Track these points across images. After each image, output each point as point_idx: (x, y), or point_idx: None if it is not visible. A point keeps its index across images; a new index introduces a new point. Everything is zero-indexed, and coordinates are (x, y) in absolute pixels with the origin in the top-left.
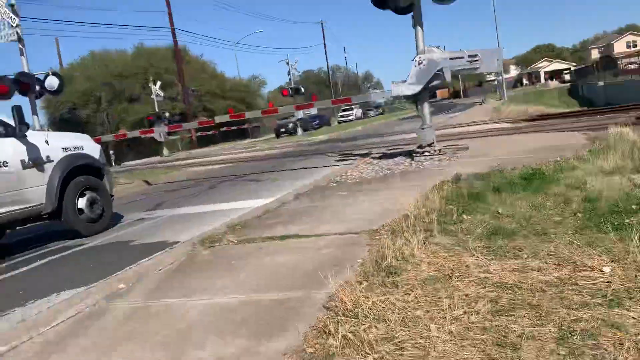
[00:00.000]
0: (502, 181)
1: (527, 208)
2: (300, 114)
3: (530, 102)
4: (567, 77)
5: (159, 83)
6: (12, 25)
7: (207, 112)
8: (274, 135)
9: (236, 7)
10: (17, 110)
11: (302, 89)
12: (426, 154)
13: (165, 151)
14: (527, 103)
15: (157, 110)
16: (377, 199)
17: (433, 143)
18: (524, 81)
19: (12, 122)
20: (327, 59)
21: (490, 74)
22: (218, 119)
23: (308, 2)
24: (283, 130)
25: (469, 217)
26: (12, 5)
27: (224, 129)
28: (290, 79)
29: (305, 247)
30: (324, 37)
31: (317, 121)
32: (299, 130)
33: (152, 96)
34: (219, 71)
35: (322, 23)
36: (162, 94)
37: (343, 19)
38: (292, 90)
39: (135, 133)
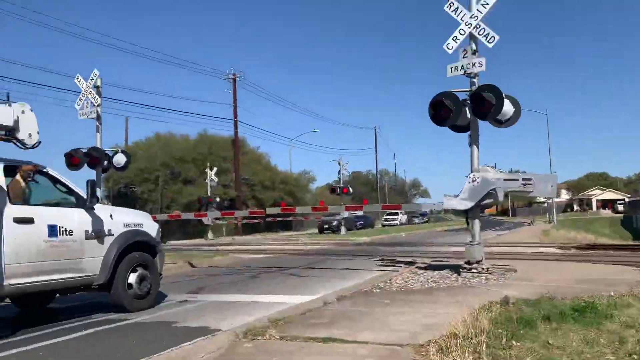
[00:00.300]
0: (552, 310)
1: (579, 342)
2: (345, 213)
3: (581, 228)
4: (621, 207)
5: (215, 169)
6: (94, 105)
7: (256, 200)
8: (316, 230)
9: (295, 106)
10: (92, 184)
11: (350, 189)
12: (474, 271)
13: (210, 234)
14: (577, 229)
15: (209, 194)
16: (423, 311)
17: (481, 260)
18: (575, 207)
19: (83, 194)
20: (376, 163)
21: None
22: (270, 210)
23: (364, 107)
24: (327, 227)
25: (518, 343)
26: (97, 87)
27: (270, 219)
28: (339, 178)
29: (347, 352)
30: (375, 143)
31: (362, 222)
32: (343, 229)
33: (206, 180)
34: (272, 163)
35: (375, 129)
36: (216, 179)
37: (397, 125)
38: (340, 189)
39: (190, 215)
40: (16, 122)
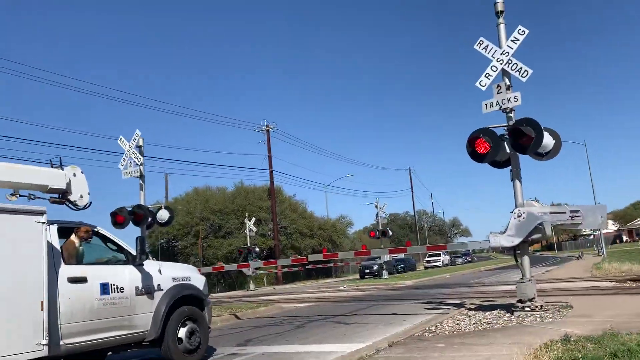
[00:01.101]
0: (619, 347)
1: None
2: (387, 256)
3: (634, 260)
4: None
5: (253, 219)
6: (137, 164)
7: (294, 249)
8: (357, 275)
9: (329, 152)
10: (141, 241)
11: (390, 232)
12: (527, 309)
13: (252, 285)
14: (631, 261)
15: (249, 244)
16: (482, 354)
17: (534, 298)
18: (624, 237)
19: (132, 251)
20: (413, 204)
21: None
22: (312, 257)
23: (398, 149)
24: (368, 271)
25: None
26: (139, 147)
27: (309, 266)
28: (377, 221)
29: None
30: (411, 184)
31: (403, 264)
32: (384, 273)
33: (245, 231)
34: (309, 210)
35: (410, 170)
36: (255, 229)
37: (432, 165)
38: (379, 232)
39: (233, 267)
40: (68, 184)
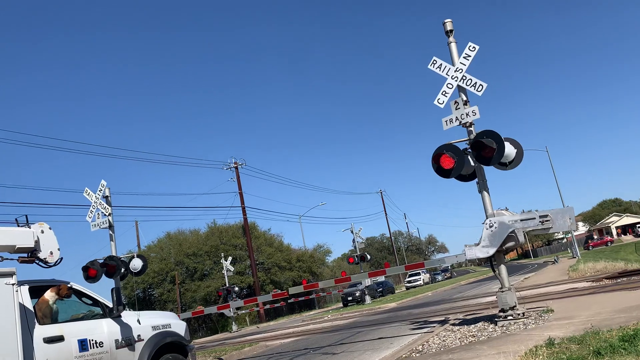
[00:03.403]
0: (601, 344)
1: None
2: (367, 281)
3: (607, 258)
4: None
5: (229, 259)
6: (105, 214)
7: (274, 284)
8: (341, 304)
9: (300, 183)
10: (116, 293)
11: (368, 256)
12: (509, 318)
13: (234, 326)
14: (606, 259)
15: (227, 284)
16: None
17: (515, 306)
18: (595, 237)
19: (109, 303)
20: (388, 226)
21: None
22: (292, 290)
23: (368, 172)
24: (350, 298)
25: None
26: (106, 197)
27: (291, 300)
28: (355, 247)
29: None
30: (384, 206)
31: (381, 288)
32: (367, 298)
33: (222, 271)
34: (285, 242)
35: (381, 192)
36: (232, 268)
37: (402, 185)
38: (357, 257)
39: (213, 309)
40: (37, 242)
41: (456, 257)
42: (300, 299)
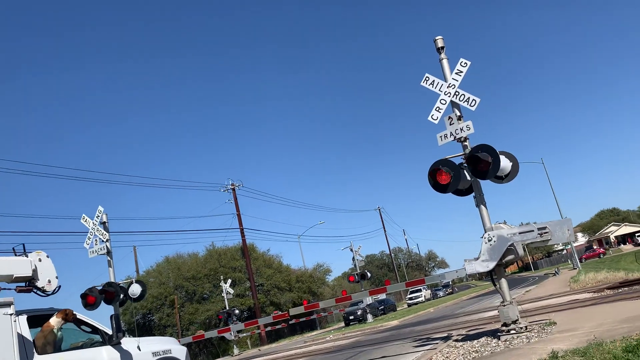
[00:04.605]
0: (605, 356)
1: None
2: (369, 299)
3: (608, 268)
4: None
5: (229, 281)
6: (103, 241)
7: (274, 305)
8: (343, 323)
9: (298, 202)
10: (116, 319)
11: (368, 274)
12: (512, 332)
13: (235, 350)
14: (606, 270)
15: (227, 307)
16: None
17: (517, 320)
18: (595, 248)
19: (108, 330)
20: (388, 243)
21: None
22: (293, 311)
23: (367, 191)
24: (352, 317)
25: None
26: (104, 223)
27: (293, 321)
28: (355, 265)
29: None
30: (382, 222)
31: (382, 306)
32: (369, 317)
33: (222, 294)
34: (285, 263)
35: (379, 209)
36: (232, 291)
37: (400, 202)
38: (358, 275)
39: (214, 333)
40: (34, 271)
41: (456, 272)
42: (301, 319)
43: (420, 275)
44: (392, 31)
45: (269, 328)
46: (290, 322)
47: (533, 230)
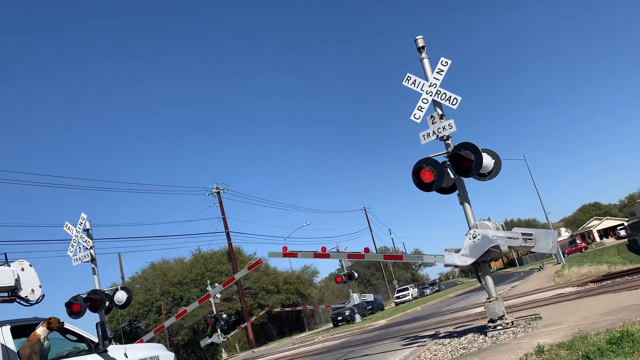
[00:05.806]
0: (589, 348)
1: None
2: (356, 300)
3: (591, 262)
4: (623, 232)
5: (216, 285)
6: (87, 248)
7: (262, 308)
8: (331, 324)
9: (284, 204)
10: (101, 327)
11: (355, 274)
12: (499, 327)
13: (224, 354)
14: (589, 263)
15: (214, 312)
16: None
17: (504, 315)
18: (577, 241)
19: (94, 338)
20: (374, 242)
21: None
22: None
23: (353, 192)
24: (340, 318)
25: None
26: (87, 230)
27: (282, 325)
28: (342, 265)
29: None
30: (368, 222)
31: (370, 306)
32: (357, 317)
33: (209, 299)
34: (272, 266)
35: (365, 209)
36: (219, 296)
37: (385, 201)
38: (345, 276)
39: (195, 304)
40: (17, 280)
41: (435, 257)
42: (290, 320)
43: (407, 274)
44: (382, 34)
45: (258, 328)
46: (278, 324)
47: (518, 238)
